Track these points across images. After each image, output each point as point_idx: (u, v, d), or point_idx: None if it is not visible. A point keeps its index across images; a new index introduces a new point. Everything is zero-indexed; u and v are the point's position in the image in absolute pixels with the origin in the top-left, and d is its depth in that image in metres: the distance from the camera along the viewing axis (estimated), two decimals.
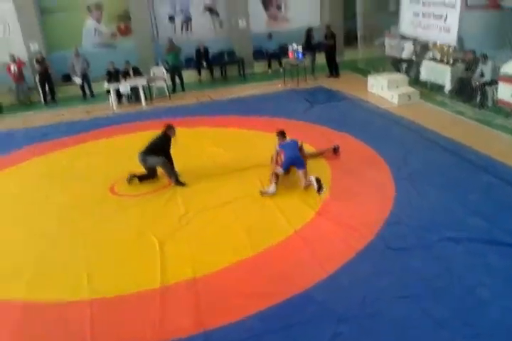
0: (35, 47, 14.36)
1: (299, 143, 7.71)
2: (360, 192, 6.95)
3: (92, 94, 14.19)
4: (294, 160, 7.46)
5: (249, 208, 6.84)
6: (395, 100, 11.07)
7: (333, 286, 5.03)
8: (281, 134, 7.78)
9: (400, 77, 11.92)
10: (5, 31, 14.53)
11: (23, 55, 14.34)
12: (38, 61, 13.77)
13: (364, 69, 14.11)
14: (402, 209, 6.37)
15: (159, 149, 7.82)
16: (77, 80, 13.96)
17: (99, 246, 6.23)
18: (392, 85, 11.46)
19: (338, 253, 5.58)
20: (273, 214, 6.57)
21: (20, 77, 13.87)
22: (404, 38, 12.89)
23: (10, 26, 14.46)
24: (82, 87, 14.05)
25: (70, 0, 14.71)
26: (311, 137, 9.06)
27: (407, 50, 12.79)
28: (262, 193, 7.22)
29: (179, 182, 7.83)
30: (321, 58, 14.45)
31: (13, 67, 13.66)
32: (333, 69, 14.16)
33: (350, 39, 16.07)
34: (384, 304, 4.69)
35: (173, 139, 7.95)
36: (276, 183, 7.28)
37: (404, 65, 12.85)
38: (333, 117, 10.36)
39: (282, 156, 7.66)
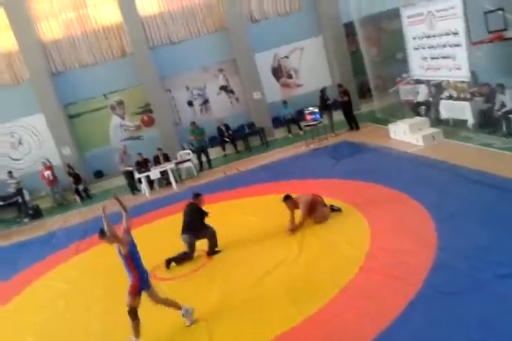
0: (66, 151, 15.36)
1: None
2: (401, 241, 6.67)
3: (138, 189, 14.25)
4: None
5: (291, 273, 6.68)
6: (420, 142, 10.95)
7: None
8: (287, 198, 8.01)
9: (421, 120, 11.84)
10: (39, 141, 15.65)
11: (56, 159, 15.36)
12: (69, 173, 14.73)
13: (383, 118, 14.17)
14: (447, 251, 6.03)
15: (199, 223, 7.95)
16: (129, 170, 14.04)
17: (147, 336, 6.07)
18: (414, 129, 11.39)
19: (388, 306, 5.27)
20: (316, 276, 6.39)
21: (53, 180, 14.71)
22: (417, 82, 13.03)
23: (42, 136, 15.64)
24: (130, 182, 14.13)
25: (93, 103, 15.83)
26: (343, 193, 9.02)
27: (422, 93, 12.86)
28: None
29: (214, 251, 7.92)
30: (339, 115, 14.69)
31: (47, 173, 14.55)
32: (352, 123, 14.30)
33: (364, 92, 16.39)
34: None
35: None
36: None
37: (422, 108, 12.84)
38: (362, 169, 10.26)
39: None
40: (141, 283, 5.79)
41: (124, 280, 7.84)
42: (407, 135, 11.49)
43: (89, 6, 15.50)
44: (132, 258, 5.79)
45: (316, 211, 8.14)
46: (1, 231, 13.82)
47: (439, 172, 8.90)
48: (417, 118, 12.06)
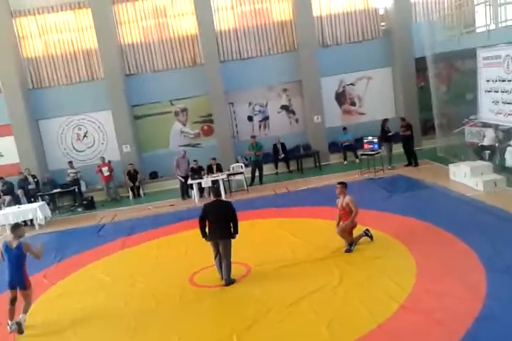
0: (127, 148, 15.91)
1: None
2: (448, 285, 6.49)
3: (188, 195, 14.45)
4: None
5: (329, 300, 6.61)
6: (480, 187, 10.65)
7: None
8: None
9: (484, 164, 11.54)
10: (103, 136, 16.37)
11: (115, 156, 15.99)
12: (129, 171, 15.29)
13: (444, 158, 13.90)
14: (496, 302, 5.80)
15: (234, 226, 7.66)
16: (181, 179, 14.43)
17: (177, 339, 6.18)
18: (476, 172, 11.10)
19: None
20: (354, 307, 6.29)
21: (108, 176, 15.27)
22: (484, 125, 12.74)
23: (107, 132, 16.35)
24: (183, 187, 14.38)
25: (159, 107, 16.40)
26: (393, 228, 8.89)
27: (489, 137, 12.53)
28: None
29: (231, 279, 7.63)
30: (398, 148, 14.51)
31: (104, 169, 15.13)
32: (412, 158, 14.10)
33: (427, 129, 16.19)
34: None
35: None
36: None
37: (486, 152, 12.51)
38: (415, 206, 10.09)
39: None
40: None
41: (166, 279, 8.07)
42: (467, 178, 11.22)
43: (168, 16, 16.18)
44: None
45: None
46: (56, 216, 14.47)
47: (497, 220, 8.62)
48: (480, 162, 11.77)
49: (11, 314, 6.88)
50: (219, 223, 7.56)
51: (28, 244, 7.04)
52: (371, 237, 8.47)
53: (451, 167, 12.06)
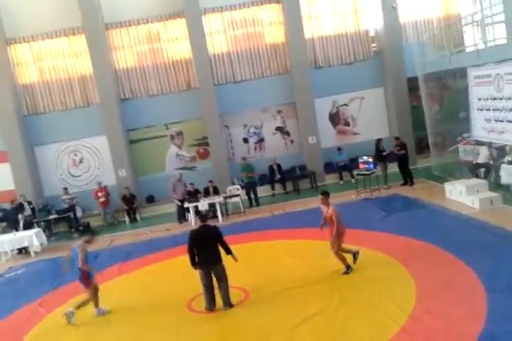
0: (122, 173, 15.94)
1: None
2: (448, 306, 6.42)
3: (185, 218, 14.38)
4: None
5: (330, 323, 6.52)
6: (476, 205, 10.65)
7: None
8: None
9: (479, 182, 11.56)
10: (99, 162, 16.37)
11: (111, 180, 15.99)
12: (124, 196, 15.24)
13: (439, 176, 13.92)
14: (497, 323, 5.74)
15: (219, 252, 7.57)
16: (177, 202, 14.38)
17: None
18: (472, 190, 11.12)
19: None
20: (355, 330, 6.21)
21: (105, 202, 15.28)
22: (478, 143, 12.82)
23: (102, 157, 16.37)
24: (180, 210, 14.29)
25: (154, 131, 16.49)
26: (391, 248, 8.84)
27: (483, 155, 12.58)
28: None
29: (230, 303, 7.56)
30: (393, 168, 14.55)
31: (100, 194, 15.16)
32: (407, 177, 14.12)
33: (422, 147, 16.27)
34: None
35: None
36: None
37: (481, 170, 12.55)
38: (413, 226, 10.05)
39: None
40: None
41: (163, 305, 7.95)
42: (463, 196, 11.24)
43: (162, 41, 16.39)
44: None
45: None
46: (52, 243, 14.24)
47: (494, 238, 8.60)
48: (475, 180, 11.79)
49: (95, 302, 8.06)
50: (208, 248, 7.47)
51: (84, 249, 7.92)
52: (355, 260, 8.32)
53: (447, 185, 12.09)
